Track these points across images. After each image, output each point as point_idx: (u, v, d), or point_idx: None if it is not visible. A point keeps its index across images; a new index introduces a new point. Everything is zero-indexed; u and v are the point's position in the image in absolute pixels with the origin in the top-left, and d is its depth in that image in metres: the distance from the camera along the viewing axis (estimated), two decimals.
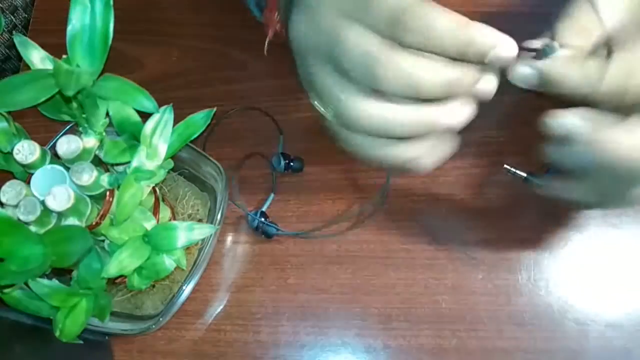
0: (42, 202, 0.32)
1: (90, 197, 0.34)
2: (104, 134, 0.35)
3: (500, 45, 0.28)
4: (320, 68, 0.31)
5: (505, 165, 0.42)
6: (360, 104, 0.29)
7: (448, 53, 0.28)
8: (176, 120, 0.35)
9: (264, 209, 0.44)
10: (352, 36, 0.28)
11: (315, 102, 0.33)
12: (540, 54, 0.31)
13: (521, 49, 0.31)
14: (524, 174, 0.41)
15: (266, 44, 0.43)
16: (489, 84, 0.31)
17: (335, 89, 0.30)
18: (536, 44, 0.31)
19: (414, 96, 0.28)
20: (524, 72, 0.31)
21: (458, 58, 0.28)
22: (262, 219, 0.43)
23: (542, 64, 0.31)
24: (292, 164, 0.44)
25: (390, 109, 0.29)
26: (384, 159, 0.31)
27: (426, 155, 0.31)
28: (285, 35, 0.34)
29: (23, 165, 0.33)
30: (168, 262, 0.35)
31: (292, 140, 0.46)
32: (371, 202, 0.44)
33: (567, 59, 0.30)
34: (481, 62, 0.28)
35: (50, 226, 0.33)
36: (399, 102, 0.29)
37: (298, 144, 0.46)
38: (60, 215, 0.33)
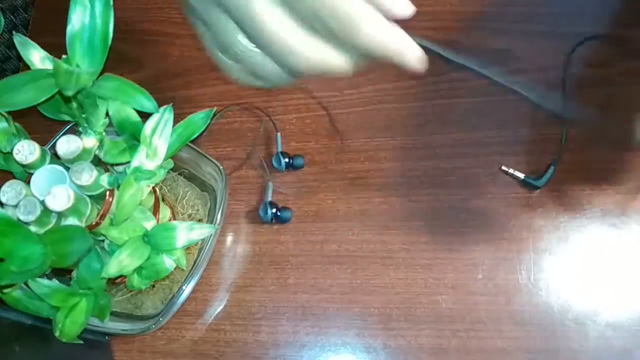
0: (42, 202, 0.32)
1: (90, 197, 0.34)
2: (103, 134, 0.35)
3: (405, 53, 0.25)
4: (210, 7, 0.28)
5: (503, 167, 0.42)
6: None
7: (331, 31, 0.25)
8: (176, 120, 0.35)
9: (269, 199, 0.44)
10: None
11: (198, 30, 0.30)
12: None
13: None
14: (522, 175, 0.41)
15: None
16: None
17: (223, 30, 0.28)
18: None
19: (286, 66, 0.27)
20: None
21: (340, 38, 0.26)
22: (275, 209, 0.43)
23: None
24: (292, 161, 0.44)
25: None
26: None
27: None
28: None
29: (23, 165, 0.33)
30: (168, 262, 0.35)
31: (291, 140, 0.46)
32: (371, 202, 0.44)
33: None
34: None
35: (50, 226, 0.33)
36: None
37: (298, 143, 0.46)
38: (60, 215, 0.33)
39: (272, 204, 0.43)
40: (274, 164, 0.45)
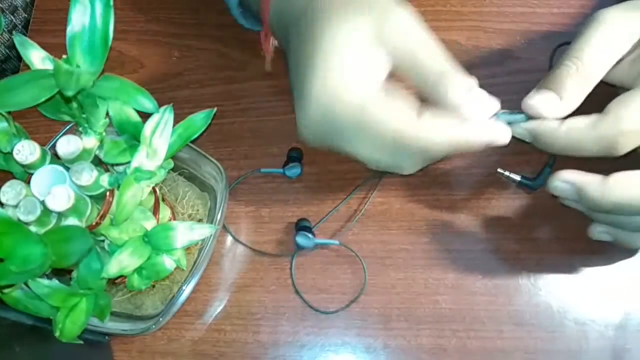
0: (42, 202, 0.32)
1: (90, 197, 0.34)
2: (104, 134, 0.35)
3: (496, 140, 0.36)
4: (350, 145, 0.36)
5: (499, 170, 0.41)
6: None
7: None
8: (176, 120, 0.35)
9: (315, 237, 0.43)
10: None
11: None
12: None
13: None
14: (518, 178, 0.41)
15: (267, 62, 0.44)
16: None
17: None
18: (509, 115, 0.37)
19: None
20: (519, 131, 0.37)
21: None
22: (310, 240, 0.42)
23: (531, 126, 0.36)
24: (293, 154, 0.45)
25: None
26: None
27: None
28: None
29: (23, 165, 0.33)
30: (168, 262, 0.35)
31: (291, 140, 0.46)
32: (371, 202, 0.44)
33: (552, 123, 0.36)
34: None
35: (50, 226, 0.33)
36: None
37: (298, 143, 0.46)
38: (60, 215, 0.33)
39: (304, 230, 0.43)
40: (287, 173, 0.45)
